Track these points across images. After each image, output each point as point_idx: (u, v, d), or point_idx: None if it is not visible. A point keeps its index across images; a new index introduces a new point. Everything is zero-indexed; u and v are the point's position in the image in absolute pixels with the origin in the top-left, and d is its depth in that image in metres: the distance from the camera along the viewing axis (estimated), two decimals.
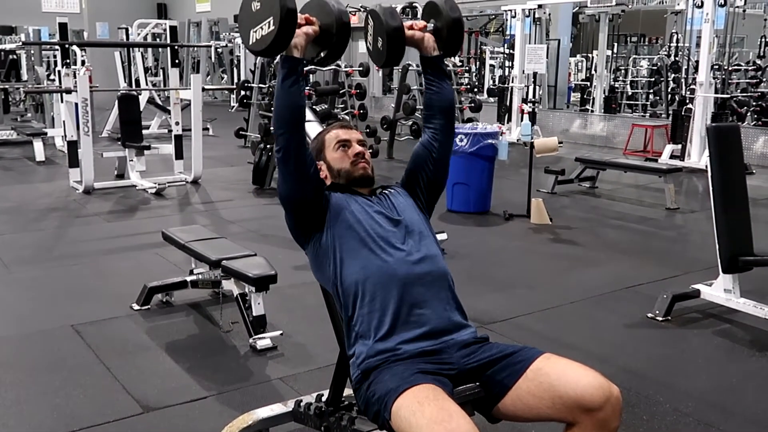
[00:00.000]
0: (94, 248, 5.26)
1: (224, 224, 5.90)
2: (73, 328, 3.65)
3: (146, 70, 14.26)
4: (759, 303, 3.71)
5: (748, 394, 3.09)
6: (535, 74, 6.68)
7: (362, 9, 12.45)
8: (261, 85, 10.53)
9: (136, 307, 3.92)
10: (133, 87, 11.50)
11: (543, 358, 1.90)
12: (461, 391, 1.88)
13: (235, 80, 16.53)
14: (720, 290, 3.87)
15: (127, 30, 12.55)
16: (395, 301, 1.94)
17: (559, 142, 6.20)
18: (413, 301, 1.95)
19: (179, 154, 7.76)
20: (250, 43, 1.95)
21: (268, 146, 7.51)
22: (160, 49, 16.10)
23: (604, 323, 3.85)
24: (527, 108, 6.38)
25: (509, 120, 11.20)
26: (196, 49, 16.76)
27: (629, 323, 3.82)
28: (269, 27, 1.88)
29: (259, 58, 11.85)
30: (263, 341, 3.42)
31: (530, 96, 7.33)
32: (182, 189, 7.38)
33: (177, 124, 7.67)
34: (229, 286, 3.63)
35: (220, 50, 16.87)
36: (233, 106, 15.84)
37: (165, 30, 15.28)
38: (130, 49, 11.97)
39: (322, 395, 2.55)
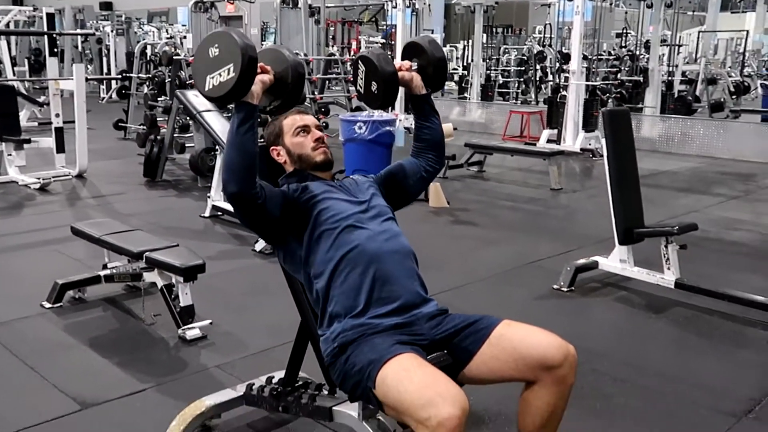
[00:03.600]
0: None
1: (122, 218, 5.66)
2: None
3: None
4: (650, 271, 4.08)
5: (651, 351, 3.42)
6: None
7: None
8: (141, 75, 10.19)
9: (47, 305, 3.76)
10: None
11: (503, 324, 2.05)
12: (433, 359, 1.98)
13: (105, 71, 15.82)
14: (616, 261, 4.21)
15: None
16: (368, 278, 2.02)
17: (453, 128, 6.44)
18: (384, 278, 2.04)
19: (61, 148, 7.38)
20: (207, 88, 1.92)
21: (157, 138, 7.32)
22: (20, 38, 15.14)
23: (515, 297, 4.10)
24: None
25: (393, 108, 11.40)
26: (60, 38, 15.83)
27: (538, 295, 4.08)
28: (228, 74, 1.86)
29: (138, 45, 11.42)
30: (192, 331, 3.40)
31: None
32: (68, 184, 7.04)
33: (57, 116, 7.29)
34: (152, 278, 3.56)
35: (86, 40, 16.03)
36: (104, 98, 15.17)
37: (29, 17, 14.41)
38: None
39: (272, 377, 2.59)
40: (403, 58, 2.34)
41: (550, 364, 1.94)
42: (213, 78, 1.89)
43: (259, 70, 1.96)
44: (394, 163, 2.42)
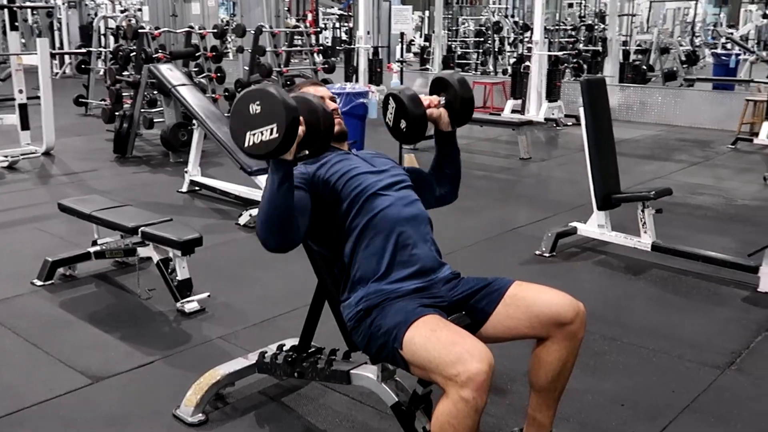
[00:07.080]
0: None
1: (99, 195, 5.64)
2: None
3: None
4: (627, 235, 4.25)
5: (635, 310, 3.60)
6: (402, 34, 6.93)
7: None
8: (102, 49, 10.00)
9: (38, 282, 3.76)
10: None
11: (515, 285, 2.17)
12: (453, 319, 2.07)
13: (57, 45, 15.41)
14: (594, 226, 4.37)
15: None
16: (390, 243, 2.10)
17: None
18: (405, 243, 2.12)
19: (25, 125, 7.23)
20: (247, 145, 1.91)
21: (125, 113, 7.22)
22: None
23: (501, 262, 4.23)
24: (396, 67, 6.62)
25: (357, 80, 11.42)
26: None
27: (522, 261, 4.22)
28: (271, 134, 1.85)
29: (96, 18, 11.13)
30: (191, 304, 3.44)
31: (398, 56, 7.57)
32: (36, 161, 6.91)
33: (21, 92, 7.13)
34: (147, 252, 3.59)
35: (36, 13, 15.58)
36: (57, 73, 14.79)
37: None
38: None
39: (284, 345, 2.67)
40: (430, 93, 2.37)
41: (563, 320, 2.06)
42: (254, 135, 1.88)
43: None
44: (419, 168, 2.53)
